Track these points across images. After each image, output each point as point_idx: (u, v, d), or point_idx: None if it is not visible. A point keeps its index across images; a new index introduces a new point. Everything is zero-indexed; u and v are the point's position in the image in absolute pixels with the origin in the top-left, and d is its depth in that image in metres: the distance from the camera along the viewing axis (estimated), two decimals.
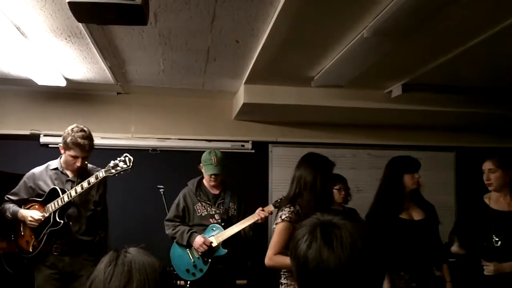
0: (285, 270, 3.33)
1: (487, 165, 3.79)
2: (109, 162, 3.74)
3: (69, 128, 3.78)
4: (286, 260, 3.15)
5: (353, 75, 4.29)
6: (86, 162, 3.91)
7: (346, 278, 1.28)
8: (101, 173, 3.72)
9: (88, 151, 3.79)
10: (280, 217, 3.27)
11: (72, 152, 3.74)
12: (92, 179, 3.70)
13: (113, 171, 3.72)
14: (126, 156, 3.76)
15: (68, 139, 3.72)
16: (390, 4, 2.85)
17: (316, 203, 3.21)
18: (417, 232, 3.64)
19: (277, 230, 3.25)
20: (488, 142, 6.40)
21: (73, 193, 3.68)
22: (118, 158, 3.75)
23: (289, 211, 3.26)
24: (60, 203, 3.68)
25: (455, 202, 6.29)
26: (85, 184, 3.69)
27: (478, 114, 5.49)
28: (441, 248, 3.80)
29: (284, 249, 3.23)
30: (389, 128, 6.26)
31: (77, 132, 3.74)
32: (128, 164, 3.74)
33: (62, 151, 3.82)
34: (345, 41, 3.66)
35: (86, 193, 3.83)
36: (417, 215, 3.72)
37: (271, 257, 3.24)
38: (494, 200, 3.82)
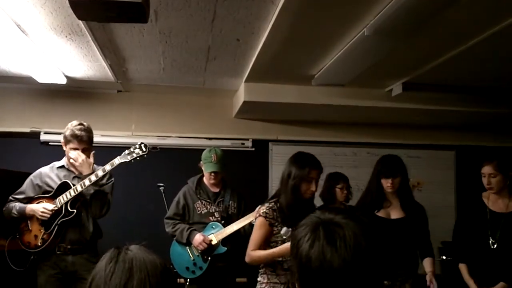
0: (261, 268, 3.33)
1: (487, 170, 3.77)
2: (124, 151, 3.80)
3: (69, 123, 3.84)
4: (260, 253, 3.19)
5: (354, 74, 4.29)
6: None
7: (349, 277, 1.27)
8: (117, 160, 3.73)
9: (86, 143, 3.81)
10: (259, 211, 3.30)
11: (71, 145, 3.77)
12: (108, 167, 3.71)
13: (128, 157, 3.75)
14: (142, 143, 3.81)
15: (67, 133, 3.78)
16: (391, 3, 2.86)
17: (287, 200, 3.21)
18: (391, 230, 3.64)
19: (255, 226, 3.31)
20: (488, 141, 6.41)
21: (87, 182, 3.68)
22: (133, 146, 3.79)
23: (267, 207, 3.28)
24: (73, 193, 3.68)
25: (455, 201, 6.29)
26: (100, 172, 3.70)
27: (478, 113, 5.49)
28: (424, 245, 3.75)
29: (264, 246, 3.22)
30: (389, 127, 6.25)
31: (75, 126, 3.79)
32: (144, 150, 3.78)
33: (64, 147, 3.85)
34: (345, 40, 3.66)
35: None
36: (395, 214, 3.73)
37: (248, 253, 3.26)
38: (493, 201, 3.83)
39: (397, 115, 5.68)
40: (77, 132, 3.76)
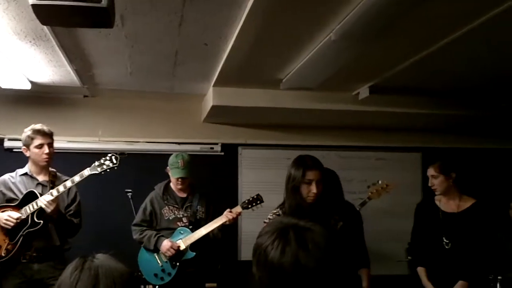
0: None
1: (430, 171, 4.00)
2: (94, 162, 3.78)
3: (25, 129, 3.84)
4: None
5: (322, 78, 4.32)
6: (54, 171, 3.85)
7: (324, 276, 1.29)
8: (86, 172, 3.70)
9: (50, 137, 3.82)
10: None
11: (35, 142, 3.74)
12: (77, 178, 3.68)
13: (98, 169, 3.73)
14: (113, 155, 3.80)
15: (28, 133, 3.77)
16: (354, 9, 2.89)
17: (289, 205, 3.17)
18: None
19: None
20: (454, 143, 6.51)
21: (55, 193, 3.63)
22: (103, 158, 3.77)
23: (272, 213, 3.30)
24: (40, 204, 3.60)
25: None
26: (68, 183, 3.67)
27: (444, 115, 5.59)
28: (359, 253, 3.63)
29: None
30: (357, 130, 6.31)
31: (32, 125, 3.82)
32: (114, 162, 3.77)
33: (26, 152, 3.81)
34: (313, 44, 3.68)
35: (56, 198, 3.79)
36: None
37: None
38: (444, 203, 3.98)
39: (365, 118, 5.74)
40: (39, 127, 3.77)
